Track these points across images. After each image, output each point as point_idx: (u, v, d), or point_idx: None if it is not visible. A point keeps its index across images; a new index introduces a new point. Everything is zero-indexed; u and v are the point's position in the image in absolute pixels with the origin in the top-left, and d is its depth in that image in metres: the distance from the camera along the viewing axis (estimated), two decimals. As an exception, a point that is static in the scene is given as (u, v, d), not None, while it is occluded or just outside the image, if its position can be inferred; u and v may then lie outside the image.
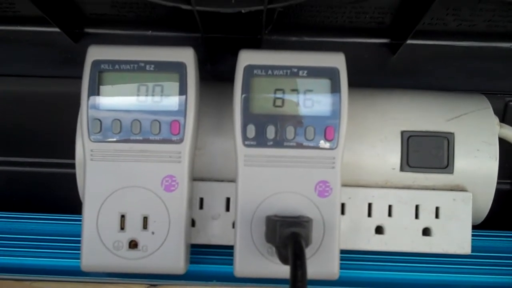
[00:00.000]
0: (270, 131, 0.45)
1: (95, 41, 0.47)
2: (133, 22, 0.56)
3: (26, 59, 0.59)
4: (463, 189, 0.50)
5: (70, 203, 0.52)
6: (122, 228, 0.45)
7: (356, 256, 0.51)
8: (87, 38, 0.57)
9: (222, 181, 0.49)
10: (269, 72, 0.45)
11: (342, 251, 0.46)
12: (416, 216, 0.49)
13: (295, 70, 0.45)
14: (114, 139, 0.45)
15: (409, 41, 0.54)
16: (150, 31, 0.57)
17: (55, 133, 0.60)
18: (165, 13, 0.54)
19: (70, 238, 0.52)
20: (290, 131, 0.45)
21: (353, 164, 0.49)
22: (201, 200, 0.49)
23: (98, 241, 0.45)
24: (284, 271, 0.41)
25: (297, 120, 0.45)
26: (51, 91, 0.60)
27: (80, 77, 0.46)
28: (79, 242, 0.46)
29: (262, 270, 0.45)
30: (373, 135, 0.49)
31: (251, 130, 0.45)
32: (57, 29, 0.54)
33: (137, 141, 0.45)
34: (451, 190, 0.50)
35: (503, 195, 0.56)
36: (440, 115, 0.50)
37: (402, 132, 0.49)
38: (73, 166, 0.49)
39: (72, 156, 0.49)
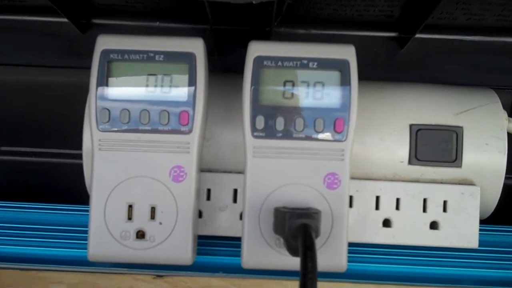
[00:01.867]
0: (279, 123, 0.45)
1: (103, 32, 0.47)
2: (141, 13, 0.56)
3: (33, 49, 0.59)
4: (471, 183, 0.50)
5: (77, 193, 0.52)
6: (129, 218, 0.45)
7: (363, 249, 0.50)
8: (95, 28, 0.57)
9: (230, 172, 0.49)
10: (279, 63, 0.45)
11: (350, 244, 0.46)
12: (424, 210, 0.49)
13: (305, 61, 0.45)
14: (123, 129, 0.45)
15: (417, 35, 0.54)
16: (157, 22, 0.57)
17: (62, 124, 0.60)
18: (173, 4, 0.54)
19: (77, 228, 0.52)
20: (299, 123, 0.45)
21: (362, 156, 0.49)
22: (209, 191, 0.49)
23: (106, 231, 0.45)
24: (291, 262, 0.41)
25: (307, 112, 0.45)
26: (58, 81, 0.60)
27: (87, 68, 0.46)
28: (86, 232, 0.45)
29: (270, 261, 0.45)
30: (382, 128, 0.49)
31: (260, 122, 0.45)
32: (64, 19, 0.54)
33: (145, 131, 0.45)
34: (459, 184, 0.49)
35: (511, 190, 0.56)
36: (449, 109, 0.50)
37: (411, 126, 0.49)
38: (79, 156, 0.49)
39: (79, 147, 0.49)
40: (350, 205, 0.49)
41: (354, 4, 0.52)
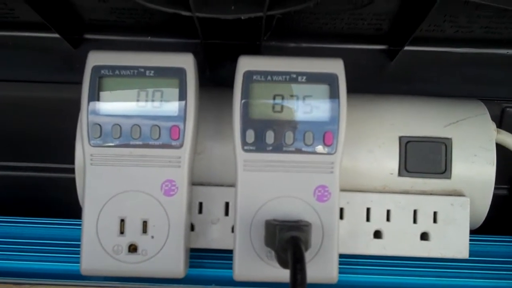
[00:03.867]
0: (269, 136, 0.45)
1: (94, 47, 0.47)
2: (132, 28, 0.56)
3: (26, 64, 0.59)
4: (460, 194, 0.50)
5: (69, 207, 0.52)
6: (121, 232, 0.45)
7: (354, 260, 0.51)
8: (87, 44, 0.57)
9: (221, 185, 0.49)
10: (268, 77, 0.45)
11: (341, 256, 0.46)
12: (414, 221, 0.49)
13: (294, 76, 0.45)
14: (114, 144, 0.45)
15: (406, 48, 0.55)
16: (149, 37, 0.57)
17: (54, 139, 0.61)
18: (164, 19, 0.54)
19: (70, 242, 0.52)
20: (289, 136, 0.45)
21: (352, 169, 0.49)
22: (200, 204, 0.49)
23: (98, 245, 0.45)
24: (283, 275, 0.41)
25: (296, 126, 0.45)
26: (50, 97, 0.60)
27: (79, 83, 0.46)
28: (78, 246, 0.46)
29: (261, 274, 0.45)
30: (371, 141, 0.50)
31: (251, 135, 0.45)
32: (56, 35, 0.55)
33: (137, 146, 0.45)
34: (449, 195, 0.50)
35: (500, 200, 0.56)
36: (438, 121, 0.50)
37: (400, 138, 0.50)
38: (72, 171, 0.50)
39: (71, 161, 0.49)
40: (341, 217, 0.49)
41: (343, 17, 0.52)
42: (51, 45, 0.57)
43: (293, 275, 0.37)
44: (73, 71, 0.57)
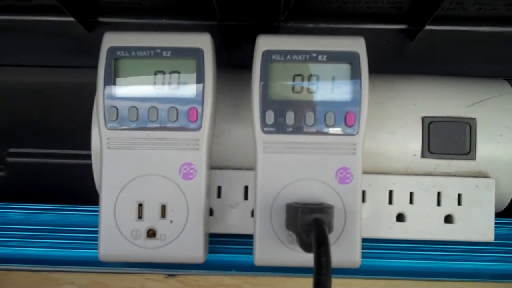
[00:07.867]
0: (290, 117, 0.44)
1: (109, 30, 0.46)
2: (147, 10, 0.55)
3: (40, 49, 0.58)
4: (485, 176, 0.49)
5: (86, 194, 0.52)
6: (140, 217, 0.45)
7: (377, 244, 0.50)
8: (101, 27, 0.57)
9: (240, 169, 0.49)
10: (288, 57, 0.44)
11: (363, 239, 0.45)
12: (438, 203, 0.48)
13: (314, 55, 0.44)
14: (131, 127, 0.45)
15: (427, 27, 0.54)
16: (164, 20, 0.56)
17: (70, 124, 0.60)
18: (180, 0, 0.53)
19: (87, 229, 0.51)
20: (309, 117, 0.44)
21: (373, 150, 0.48)
22: (219, 188, 0.48)
23: (116, 230, 0.45)
24: (305, 259, 0.41)
25: (317, 106, 0.44)
26: (65, 81, 0.60)
27: (94, 67, 0.45)
28: (96, 232, 0.45)
29: (283, 258, 0.44)
30: (393, 122, 0.49)
31: (270, 117, 0.44)
32: (71, 18, 0.54)
33: (154, 128, 0.44)
34: (474, 176, 0.49)
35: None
36: (461, 101, 0.49)
37: (423, 118, 0.48)
38: (88, 156, 0.49)
39: (87, 147, 0.49)
40: (363, 200, 0.48)
41: (362, -4, 0.51)
42: (65, 28, 0.56)
43: (318, 258, 0.36)
44: (88, 54, 0.57)
